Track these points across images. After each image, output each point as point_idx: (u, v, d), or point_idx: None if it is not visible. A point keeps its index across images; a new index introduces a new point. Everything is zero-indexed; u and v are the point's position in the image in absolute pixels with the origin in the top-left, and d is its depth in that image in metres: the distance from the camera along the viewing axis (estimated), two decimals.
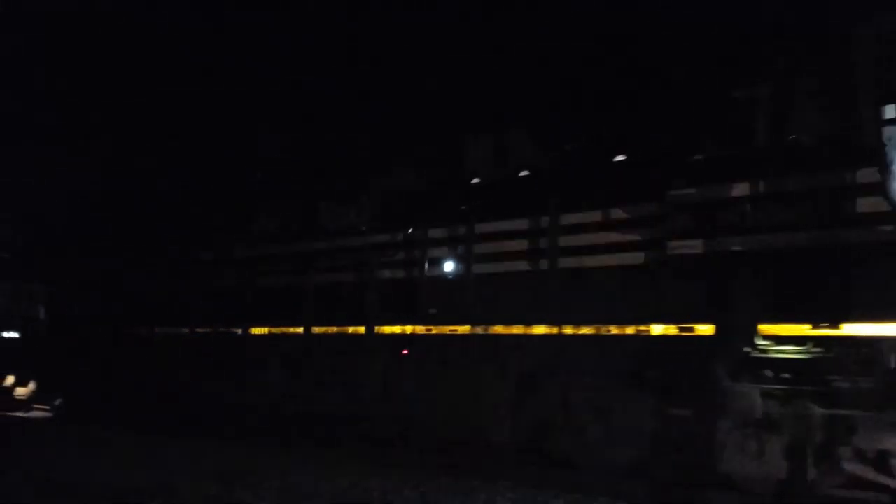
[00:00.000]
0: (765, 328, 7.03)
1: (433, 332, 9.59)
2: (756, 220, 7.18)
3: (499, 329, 8.93)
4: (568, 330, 8.27)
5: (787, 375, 6.96)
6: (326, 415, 10.66)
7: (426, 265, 9.73)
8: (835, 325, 6.69)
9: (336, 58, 18.83)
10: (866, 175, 6.60)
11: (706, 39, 8.08)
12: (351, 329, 10.58)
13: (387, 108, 12.18)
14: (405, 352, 9.90)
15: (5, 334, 16.75)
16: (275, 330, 11.66)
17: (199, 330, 12.63)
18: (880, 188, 6.44)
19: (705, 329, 7.37)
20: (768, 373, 7.05)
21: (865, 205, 6.64)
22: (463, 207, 9.43)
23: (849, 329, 6.64)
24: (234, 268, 12.31)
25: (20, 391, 15.39)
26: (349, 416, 10.38)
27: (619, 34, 10.76)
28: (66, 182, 17.50)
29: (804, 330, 6.85)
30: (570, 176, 8.66)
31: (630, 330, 7.88)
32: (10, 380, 15.48)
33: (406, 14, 17.64)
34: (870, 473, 6.50)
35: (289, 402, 11.16)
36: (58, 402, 14.56)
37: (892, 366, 6.50)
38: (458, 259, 9.45)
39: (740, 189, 7.28)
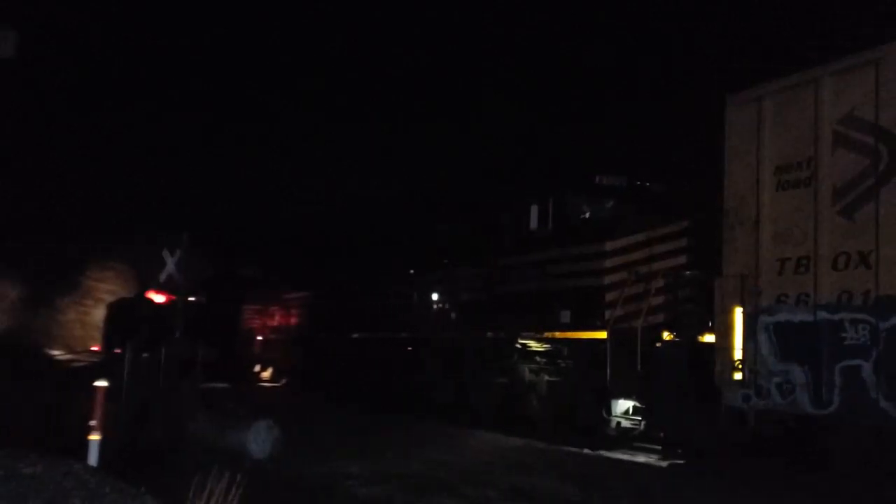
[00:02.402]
0: (522, 336, 13.35)
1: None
2: (525, 277, 13.49)
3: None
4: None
5: (537, 359, 13.21)
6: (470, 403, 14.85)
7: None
8: (552, 333, 12.86)
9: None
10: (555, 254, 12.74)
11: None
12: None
13: None
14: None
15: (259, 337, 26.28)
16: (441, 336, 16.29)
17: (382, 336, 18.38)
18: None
19: (499, 334, 13.81)
20: (530, 358, 13.33)
21: (559, 270, 12.76)
22: None
23: (558, 335, 12.79)
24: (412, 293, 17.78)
25: (264, 374, 24.75)
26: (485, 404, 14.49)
27: None
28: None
29: (539, 337, 13.08)
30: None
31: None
32: (257, 367, 24.89)
33: None
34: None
35: (442, 391, 15.71)
36: (284, 381, 23.59)
37: (581, 355, 12.51)
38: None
39: (517, 260, 13.64)
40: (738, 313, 9.46)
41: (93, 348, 39.99)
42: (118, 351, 35.24)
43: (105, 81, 48.95)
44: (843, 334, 8.29)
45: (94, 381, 8.41)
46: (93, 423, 8.07)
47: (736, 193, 9.75)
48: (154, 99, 50.46)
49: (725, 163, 9.96)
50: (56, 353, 41.87)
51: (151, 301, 29.92)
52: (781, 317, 8.97)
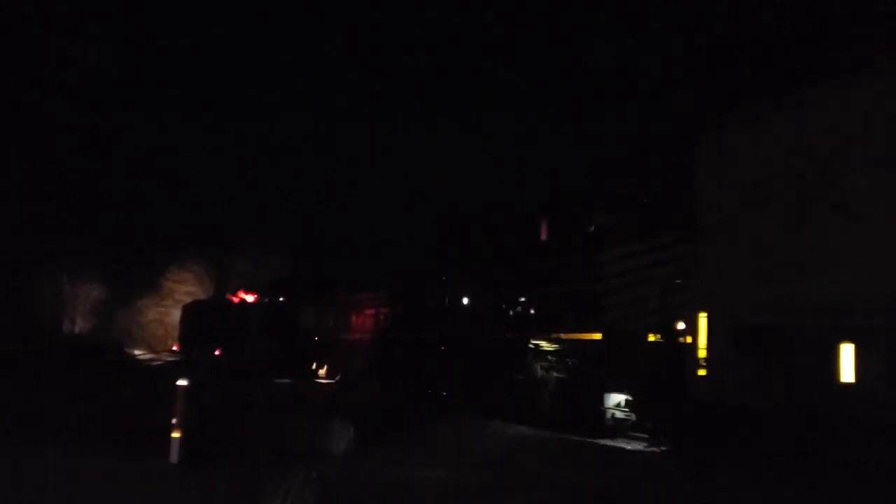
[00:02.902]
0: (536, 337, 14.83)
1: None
2: (537, 283, 14.96)
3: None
4: None
5: (548, 358, 14.68)
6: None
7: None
8: (559, 334, 14.32)
9: None
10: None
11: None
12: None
13: None
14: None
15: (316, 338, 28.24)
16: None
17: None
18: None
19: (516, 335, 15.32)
20: (542, 356, 14.81)
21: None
22: None
23: (566, 336, 14.24)
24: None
25: (320, 372, 26.72)
26: None
27: None
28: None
29: (549, 338, 14.54)
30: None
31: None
32: (314, 365, 26.90)
33: None
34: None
35: (471, 388, 17.13)
36: (339, 377, 25.50)
37: (584, 354, 13.96)
38: None
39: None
40: (702, 317, 10.80)
41: (173, 348, 41.56)
42: (193, 350, 37.46)
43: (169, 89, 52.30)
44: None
45: (174, 380, 8.88)
46: (174, 420, 8.50)
47: (703, 211, 11.10)
48: (214, 106, 53.55)
49: (695, 184, 11.33)
50: (137, 352, 44.85)
51: (231, 301, 32.69)
52: (737, 320, 10.29)
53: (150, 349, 49.29)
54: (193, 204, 48.88)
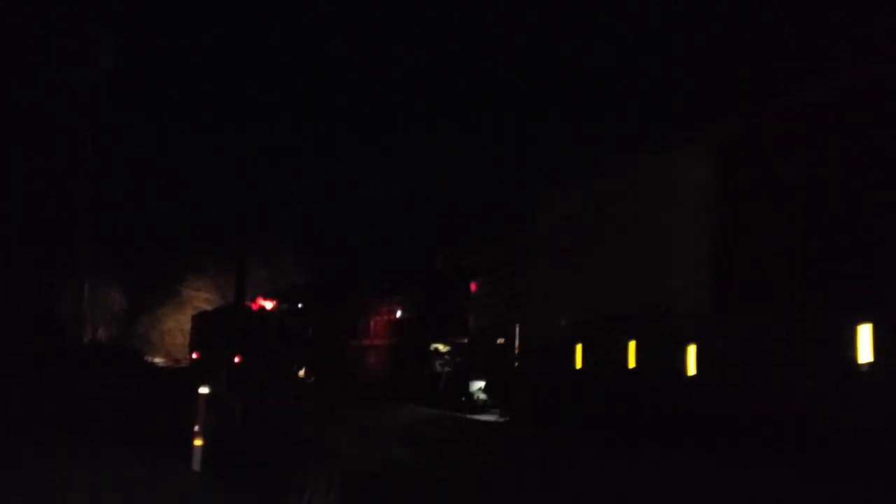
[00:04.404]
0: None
1: None
2: (436, 301, 20.17)
3: None
4: None
5: (445, 357, 19.87)
6: None
7: None
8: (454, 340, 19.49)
9: None
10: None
11: None
12: None
13: None
14: None
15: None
16: None
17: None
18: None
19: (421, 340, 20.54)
20: (446, 357, 20.01)
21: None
22: None
23: (455, 341, 19.40)
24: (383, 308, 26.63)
25: (301, 373, 32.01)
26: None
27: None
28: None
29: (442, 342, 19.76)
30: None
31: None
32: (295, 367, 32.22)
33: None
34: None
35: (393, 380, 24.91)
36: (312, 378, 30.76)
37: (462, 354, 19.11)
38: None
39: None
40: (517, 328, 15.99)
41: (193, 356, 43.66)
42: (195, 356, 41.16)
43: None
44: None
45: (195, 387, 8.86)
46: (196, 428, 8.42)
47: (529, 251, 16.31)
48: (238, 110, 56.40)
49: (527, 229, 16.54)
50: (157, 360, 47.06)
51: (249, 309, 34.20)
52: (536, 331, 15.45)
53: (170, 356, 51.64)
54: (212, 211, 49.84)
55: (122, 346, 43.89)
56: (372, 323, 25.41)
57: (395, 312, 23.49)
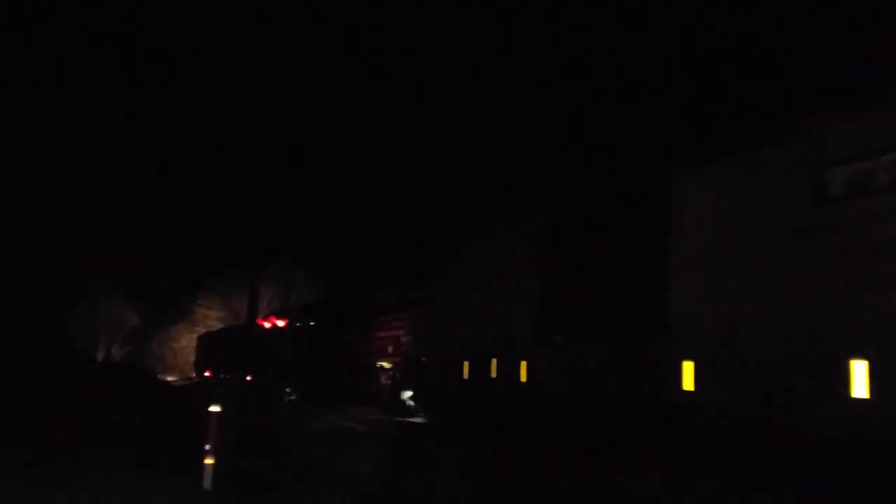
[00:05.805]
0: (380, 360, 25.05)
1: None
2: (381, 328, 25.21)
3: None
4: None
5: (388, 372, 24.82)
6: None
7: None
8: (389, 359, 24.49)
9: None
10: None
11: None
12: None
13: None
14: None
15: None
16: None
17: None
18: None
19: (371, 359, 25.55)
20: (389, 373, 24.98)
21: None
22: None
23: (390, 360, 24.40)
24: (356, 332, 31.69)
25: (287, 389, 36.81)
26: None
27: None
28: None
29: (385, 361, 24.76)
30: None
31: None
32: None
33: None
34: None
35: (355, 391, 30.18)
36: (296, 396, 35.57)
37: (398, 370, 24.07)
38: None
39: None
40: (431, 349, 20.95)
41: (205, 374, 45.76)
42: (207, 374, 45.13)
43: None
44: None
45: (206, 405, 8.87)
46: (207, 447, 8.42)
47: (432, 293, 21.33)
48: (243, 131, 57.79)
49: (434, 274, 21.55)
50: (170, 378, 48.88)
51: (261, 327, 36.46)
52: (432, 355, 20.40)
53: (183, 374, 53.67)
54: (224, 230, 50.42)
55: (134, 365, 45.94)
56: (340, 348, 30.48)
57: (354, 340, 28.62)
